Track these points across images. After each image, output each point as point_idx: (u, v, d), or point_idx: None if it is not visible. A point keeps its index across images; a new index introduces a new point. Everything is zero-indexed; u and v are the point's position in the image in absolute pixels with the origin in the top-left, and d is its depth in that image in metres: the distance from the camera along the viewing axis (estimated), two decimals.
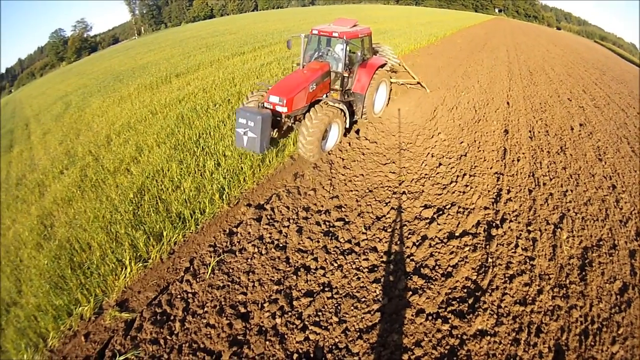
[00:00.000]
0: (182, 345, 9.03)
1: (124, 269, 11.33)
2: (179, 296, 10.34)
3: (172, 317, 9.86)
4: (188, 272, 10.94)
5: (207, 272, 10.61)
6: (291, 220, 12.07)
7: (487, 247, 10.63)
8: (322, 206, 12.63)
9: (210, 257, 11.14)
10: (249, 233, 11.81)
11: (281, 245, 11.11)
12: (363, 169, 14.86)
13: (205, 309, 9.73)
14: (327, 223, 11.77)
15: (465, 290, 9.34)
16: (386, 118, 20.79)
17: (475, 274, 9.76)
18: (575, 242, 11.19)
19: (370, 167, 14.89)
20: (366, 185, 13.66)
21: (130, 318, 10.39)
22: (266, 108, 15.89)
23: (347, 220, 11.82)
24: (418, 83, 26.16)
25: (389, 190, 13.20)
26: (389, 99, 22.26)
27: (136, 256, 11.62)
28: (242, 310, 9.45)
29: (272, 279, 10.13)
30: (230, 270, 10.58)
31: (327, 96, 18.30)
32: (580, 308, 9.00)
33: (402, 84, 26.35)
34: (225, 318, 9.26)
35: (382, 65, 20.65)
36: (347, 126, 17.73)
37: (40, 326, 10.79)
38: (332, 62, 18.58)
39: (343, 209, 12.35)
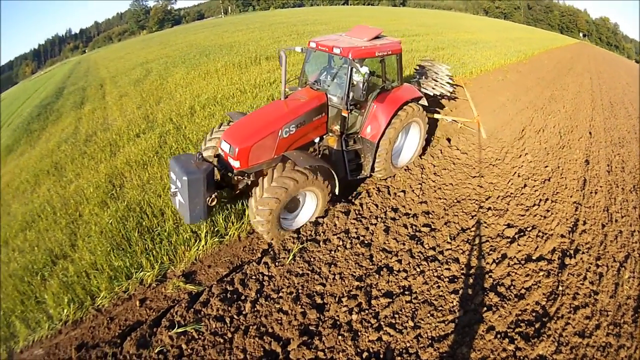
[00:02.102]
0: (249, 327, 9.00)
1: (197, 241, 11.32)
2: (253, 277, 10.36)
3: (243, 297, 9.85)
4: (267, 255, 11.01)
5: (288, 258, 10.66)
6: (379, 219, 11.91)
7: (560, 275, 10.32)
8: (410, 209, 12.42)
9: (293, 243, 11.20)
10: (335, 225, 11.74)
11: (366, 242, 10.95)
12: (453, 178, 14.45)
13: (280, 294, 9.70)
14: (414, 227, 11.57)
15: (534, 314, 9.11)
16: (476, 132, 19.59)
17: (545, 299, 9.51)
18: (634, 284, 10.86)
19: (460, 178, 14.48)
20: (455, 195, 13.38)
21: (197, 291, 10.43)
22: (217, 157, 12.11)
23: (433, 227, 11.59)
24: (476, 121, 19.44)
25: (476, 204, 12.91)
26: (425, 144, 16.28)
27: (213, 230, 11.59)
28: (319, 301, 9.37)
29: (354, 274, 10.00)
30: (312, 260, 10.60)
31: (321, 140, 13.60)
32: (627, 348, 8.81)
33: (451, 121, 19.88)
34: (300, 306, 9.20)
35: (417, 99, 15.10)
36: (337, 192, 12.41)
37: (91, 284, 10.85)
38: (331, 90, 13.51)
39: (430, 215, 12.12)
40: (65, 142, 25.12)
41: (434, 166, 15.29)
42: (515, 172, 15.22)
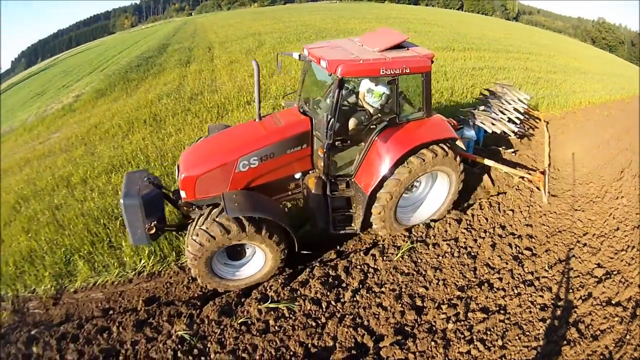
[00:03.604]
0: (345, 316, 8.86)
1: (304, 220, 11.27)
2: (358, 267, 10.16)
3: (344, 285, 9.71)
4: (376, 247, 10.75)
5: (397, 255, 10.37)
6: (487, 233, 11.65)
7: (630, 324, 9.92)
8: (515, 229, 12.07)
9: (404, 241, 10.90)
10: (446, 231, 11.45)
11: (473, 254, 10.75)
12: (557, 207, 13.80)
13: (383, 289, 9.50)
14: (517, 248, 11.25)
15: (601, 357, 8.86)
16: (581, 165, 17.90)
17: (613, 344, 9.20)
18: None
19: (563, 209, 13.84)
20: (557, 224, 12.88)
21: (296, 269, 10.29)
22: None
23: (534, 252, 11.28)
24: (541, 173, 14.01)
25: (574, 237, 12.48)
26: (452, 197, 12.05)
27: None
28: (419, 303, 9.19)
29: (457, 283, 9.79)
30: (419, 261, 10.33)
31: (303, 177, 11.00)
32: None
33: (504, 173, 14.25)
34: (400, 305, 9.02)
35: (446, 140, 11.07)
36: (298, 249, 10.06)
37: (179, 240, 10.98)
38: (321, 116, 9.99)
39: (533, 240, 11.78)
40: (168, 96, 25.39)
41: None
42: (611, 214, 14.59)
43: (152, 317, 9.61)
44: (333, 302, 9.23)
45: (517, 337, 8.68)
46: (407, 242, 10.73)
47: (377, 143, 10.31)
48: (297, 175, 10.80)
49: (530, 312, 9.33)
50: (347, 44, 10.74)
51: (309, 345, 8.37)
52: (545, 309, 9.51)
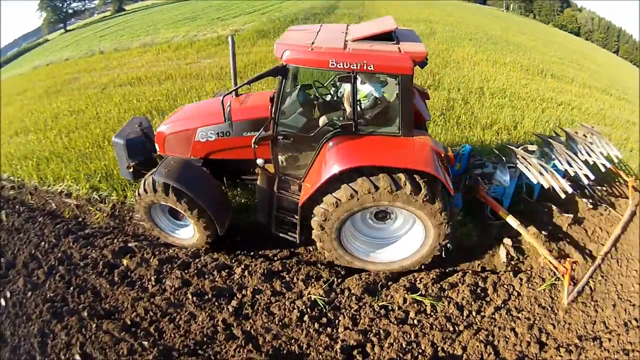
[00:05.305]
0: (480, 330, 8.73)
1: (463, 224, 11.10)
2: (505, 286, 9.92)
3: (488, 299, 9.54)
4: (524, 272, 10.37)
5: (540, 286, 9.88)
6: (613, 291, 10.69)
7: None
8: (632, 296, 10.53)
9: (549, 275, 10.09)
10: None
11: (597, 307, 9.87)
12: None
13: (520, 315, 9.21)
14: (629, 315, 9.99)
15: None
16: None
17: None
18: None
19: None
20: None
21: (449, 269, 10.40)
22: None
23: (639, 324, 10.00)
24: (574, 263, 9.82)
25: None
26: (425, 253, 9.84)
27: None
28: (543, 339, 8.78)
29: (577, 331, 9.09)
30: (555, 298, 9.70)
31: (262, 164, 10.05)
32: None
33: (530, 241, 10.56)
34: (529, 335, 8.72)
35: (412, 172, 8.47)
36: (221, 232, 10.06)
37: None
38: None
39: None
40: None
41: None
42: None
43: (287, 272, 9.79)
44: (474, 313, 9.07)
45: None
46: (552, 276, 10.00)
47: (325, 150, 8.94)
48: (260, 161, 9.95)
49: None
50: (330, 30, 9.71)
51: (439, 348, 8.30)
52: None
